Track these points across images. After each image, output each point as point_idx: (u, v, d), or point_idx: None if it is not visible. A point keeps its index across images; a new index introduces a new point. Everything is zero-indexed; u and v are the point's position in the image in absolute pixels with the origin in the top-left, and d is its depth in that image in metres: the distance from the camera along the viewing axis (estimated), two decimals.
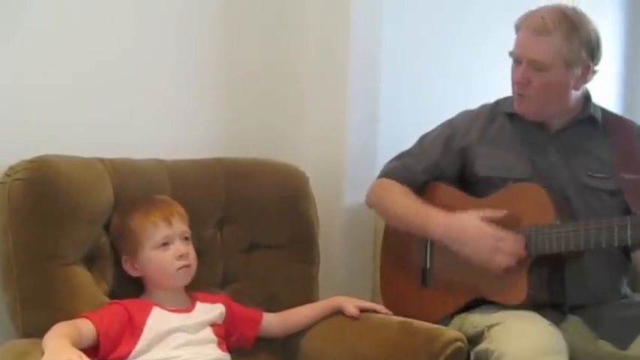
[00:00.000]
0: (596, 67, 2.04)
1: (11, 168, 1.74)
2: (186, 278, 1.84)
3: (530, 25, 1.99)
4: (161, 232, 1.80)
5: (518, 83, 2.03)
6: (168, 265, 1.80)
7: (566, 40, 1.97)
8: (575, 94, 2.07)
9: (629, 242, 1.84)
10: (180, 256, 1.81)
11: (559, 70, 1.99)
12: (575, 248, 1.88)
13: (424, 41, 2.71)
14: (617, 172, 2.04)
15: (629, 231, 1.81)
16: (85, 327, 1.66)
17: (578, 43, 1.98)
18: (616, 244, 1.85)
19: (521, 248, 1.93)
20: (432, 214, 2.05)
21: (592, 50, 2.01)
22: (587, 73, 2.03)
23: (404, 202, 2.12)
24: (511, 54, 2.04)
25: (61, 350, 1.50)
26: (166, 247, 1.80)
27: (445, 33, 2.77)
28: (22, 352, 1.61)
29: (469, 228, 1.97)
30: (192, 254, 1.84)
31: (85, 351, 1.54)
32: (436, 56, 2.75)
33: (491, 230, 1.95)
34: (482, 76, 2.80)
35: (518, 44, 2.03)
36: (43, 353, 1.50)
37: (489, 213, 1.98)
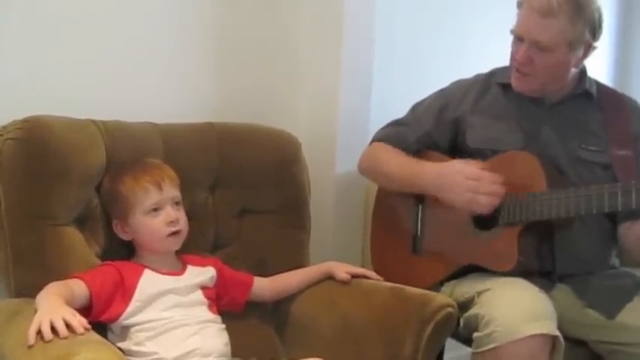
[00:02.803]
0: (596, 44, 2.02)
1: (3, 127, 1.73)
2: (176, 243, 1.83)
3: (535, 5, 1.94)
4: (151, 197, 1.78)
5: (520, 62, 2.00)
6: (159, 231, 1.79)
7: (571, 22, 1.93)
8: (573, 71, 2.06)
9: (619, 208, 1.84)
10: (171, 222, 1.80)
11: (562, 50, 1.96)
12: (566, 214, 1.88)
13: (418, 7, 2.71)
14: (609, 146, 2.04)
15: (619, 197, 1.81)
16: (78, 287, 1.65)
17: (583, 23, 1.95)
18: (606, 210, 1.85)
19: (499, 184, 1.93)
20: (426, 164, 2.07)
21: (595, 29, 1.98)
22: (588, 51, 2.02)
23: (398, 159, 2.13)
24: (512, 32, 2.01)
25: (54, 309, 1.49)
26: (157, 213, 1.79)
27: None
28: (15, 310, 1.61)
29: (448, 174, 1.97)
30: (183, 219, 1.83)
31: (78, 312, 1.53)
32: (430, 23, 2.75)
33: (468, 170, 1.95)
34: (475, 44, 2.80)
35: (521, 24, 1.99)
36: (35, 312, 1.49)
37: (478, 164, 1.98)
